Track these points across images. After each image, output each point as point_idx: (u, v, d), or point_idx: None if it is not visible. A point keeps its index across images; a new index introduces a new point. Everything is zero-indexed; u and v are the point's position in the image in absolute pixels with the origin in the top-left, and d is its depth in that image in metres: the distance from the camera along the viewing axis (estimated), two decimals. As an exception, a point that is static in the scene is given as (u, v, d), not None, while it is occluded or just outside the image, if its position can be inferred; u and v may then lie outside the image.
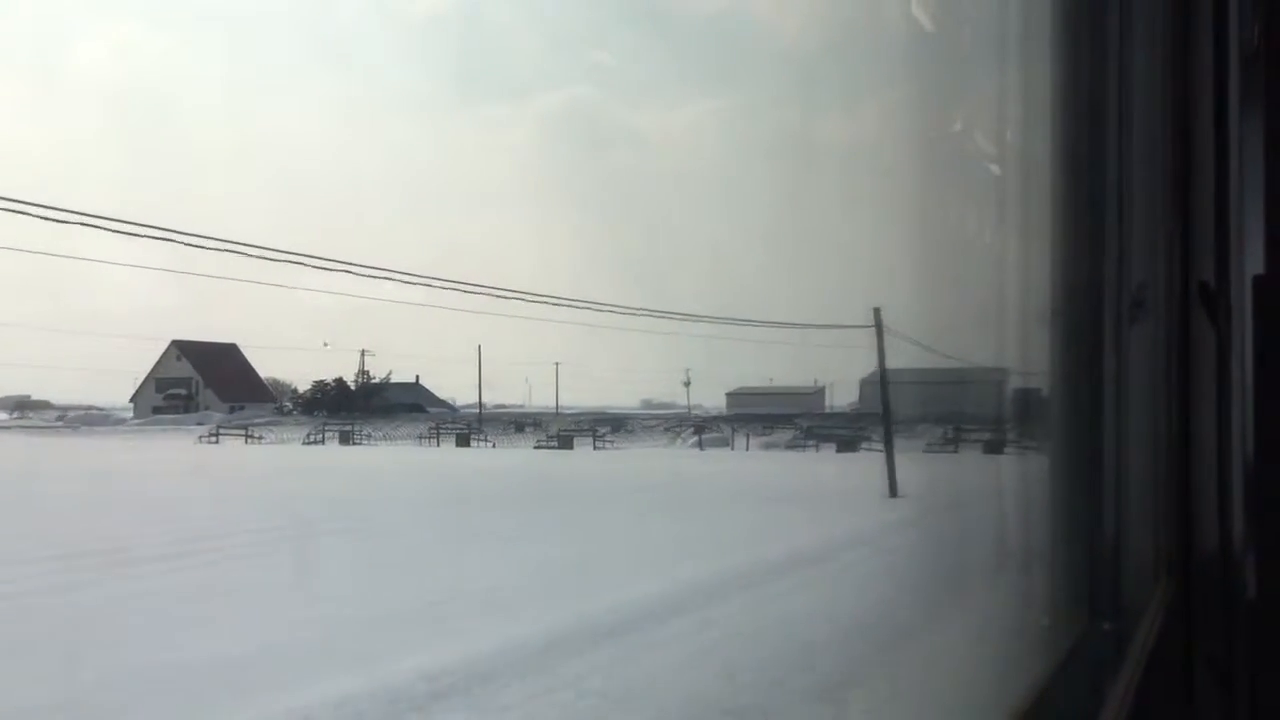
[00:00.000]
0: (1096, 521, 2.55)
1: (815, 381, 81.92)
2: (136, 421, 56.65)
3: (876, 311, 23.51)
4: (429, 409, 65.14)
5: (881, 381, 27.21)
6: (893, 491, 25.67)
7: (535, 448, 49.99)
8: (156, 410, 57.36)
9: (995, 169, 2.75)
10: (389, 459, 41.64)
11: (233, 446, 49.01)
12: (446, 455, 45.77)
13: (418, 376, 70.27)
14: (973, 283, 2.96)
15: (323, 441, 51.19)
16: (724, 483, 30.45)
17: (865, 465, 32.78)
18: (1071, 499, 2.56)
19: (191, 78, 47.80)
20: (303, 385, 63.68)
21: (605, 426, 55.88)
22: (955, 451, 41.73)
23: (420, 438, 52.87)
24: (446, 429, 54.25)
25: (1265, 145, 2.90)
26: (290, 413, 60.95)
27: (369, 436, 52.82)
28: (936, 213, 2.92)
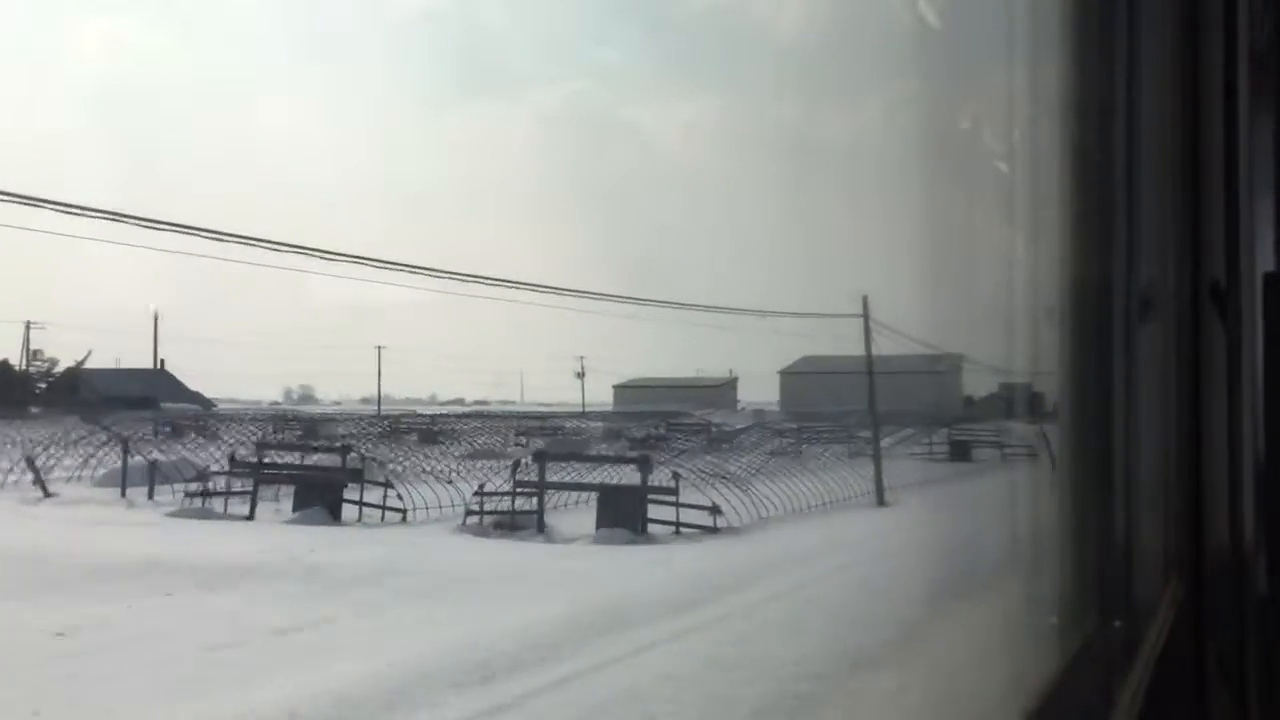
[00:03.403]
0: (1107, 521, 2.54)
1: (730, 372, 77.14)
2: None
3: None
4: (167, 404, 48.90)
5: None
6: None
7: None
8: None
9: (1003, 167, 2.74)
10: None
11: None
12: None
13: (163, 361, 55.85)
14: (979, 280, 2.95)
15: None
16: None
17: None
18: (1082, 498, 2.55)
19: (186, 76, 47.80)
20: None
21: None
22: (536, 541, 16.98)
23: None
24: None
25: (1275, 143, 2.89)
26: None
27: None
28: (942, 211, 2.90)
